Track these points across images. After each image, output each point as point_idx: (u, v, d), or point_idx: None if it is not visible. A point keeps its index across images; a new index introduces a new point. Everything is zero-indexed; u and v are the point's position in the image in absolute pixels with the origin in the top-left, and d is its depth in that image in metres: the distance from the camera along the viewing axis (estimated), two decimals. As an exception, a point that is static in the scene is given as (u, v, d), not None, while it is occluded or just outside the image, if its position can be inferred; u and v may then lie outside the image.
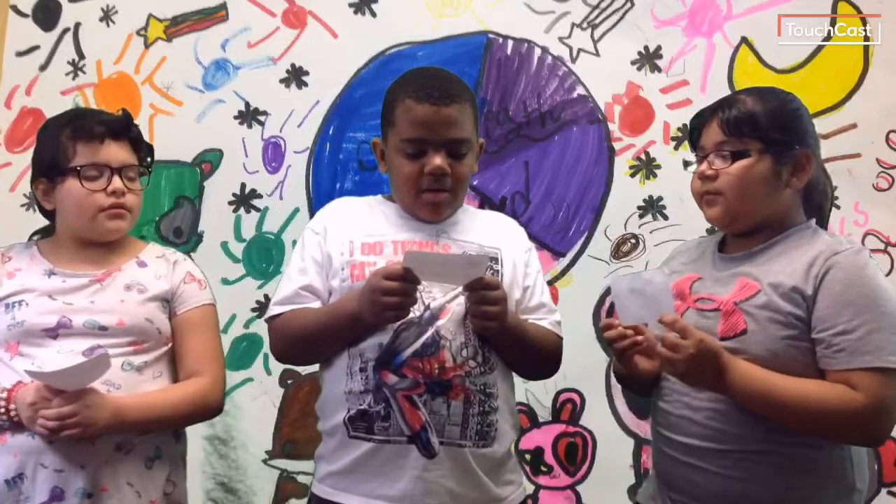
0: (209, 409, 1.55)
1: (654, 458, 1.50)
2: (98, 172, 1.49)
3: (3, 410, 1.39)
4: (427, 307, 1.39)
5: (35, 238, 1.64)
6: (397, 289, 1.32)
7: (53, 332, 1.45)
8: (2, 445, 1.41)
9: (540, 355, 1.50)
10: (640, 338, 1.39)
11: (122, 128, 1.54)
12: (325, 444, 1.45)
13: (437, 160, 1.42)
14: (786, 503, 1.35)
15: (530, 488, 2.15)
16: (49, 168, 1.51)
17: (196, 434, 1.67)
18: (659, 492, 1.47)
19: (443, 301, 1.40)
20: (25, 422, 1.38)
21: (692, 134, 1.50)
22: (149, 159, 1.60)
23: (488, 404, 1.39)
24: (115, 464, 1.43)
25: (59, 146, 1.50)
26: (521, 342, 1.44)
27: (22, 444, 1.39)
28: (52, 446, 1.39)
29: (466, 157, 1.46)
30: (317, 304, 1.47)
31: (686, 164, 1.46)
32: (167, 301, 1.55)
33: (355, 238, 1.47)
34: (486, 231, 1.53)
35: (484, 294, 1.35)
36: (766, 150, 1.39)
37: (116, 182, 1.50)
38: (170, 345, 1.55)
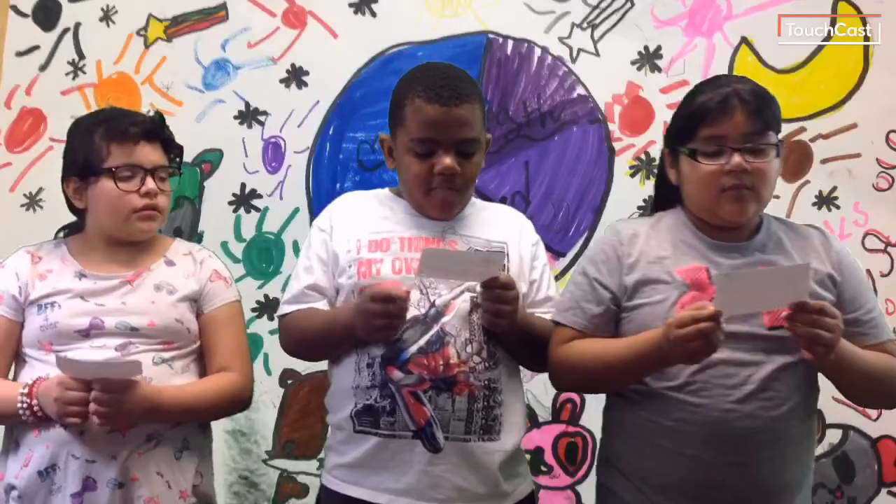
0: (240, 402, 1.59)
1: (661, 467, 1.39)
2: (132, 173, 1.51)
3: (25, 406, 1.41)
4: (432, 304, 1.40)
5: (61, 235, 1.65)
6: (383, 311, 1.34)
7: (85, 333, 1.47)
8: (34, 437, 1.43)
9: (545, 349, 1.50)
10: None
11: (156, 129, 1.56)
12: (334, 436, 1.47)
13: (448, 160, 1.42)
14: (801, 481, 1.39)
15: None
16: (82, 167, 1.52)
17: (217, 428, 1.69)
18: None
19: (448, 297, 1.41)
20: (55, 416, 1.39)
21: (693, 122, 1.41)
22: (178, 160, 1.61)
23: (493, 399, 1.40)
24: (145, 454, 1.45)
25: (92, 146, 1.51)
26: (527, 338, 1.45)
27: (54, 435, 1.42)
28: (84, 437, 1.41)
29: (475, 156, 1.47)
30: (323, 304, 1.48)
31: (693, 154, 1.37)
32: (195, 301, 1.57)
33: (362, 236, 1.48)
34: (492, 226, 1.53)
35: (500, 293, 1.37)
36: (779, 142, 1.40)
37: (150, 183, 1.52)
38: (198, 343, 1.57)
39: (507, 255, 1.49)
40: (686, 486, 1.37)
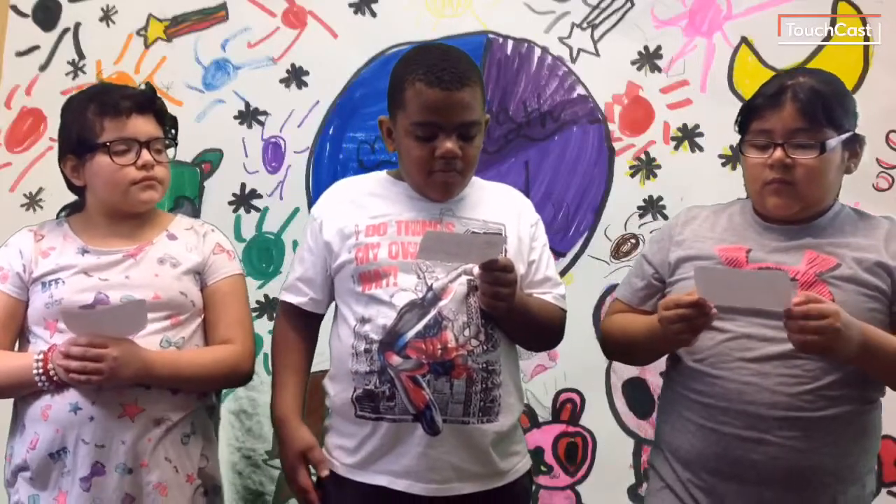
0: (240, 374, 1.58)
1: (686, 441, 1.43)
2: (126, 147, 1.51)
3: (41, 371, 1.42)
4: (430, 287, 1.41)
5: (63, 215, 1.65)
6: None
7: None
8: (44, 422, 1.43)
9: (543, 330, 1.52)
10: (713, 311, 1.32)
11: (147, 101, 1.56)
12: (334, 419, 1.49)
13: (449, 144, 1.42)
14: (840, 471, 1.36)
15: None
16: (77, 145, 1.52)
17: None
18: (681, 484, 1.43)
19: (445, 280, 1.42)
20: (64, 377, 1.40)
21: (747, 115, 1.46)
22: (173, 131, 1.61)
23: (491, 381, 1.42)
24: (154, 439, 1.45)
25: (85, 122, 1.52)
26: (525, 319, 1.46)
27: (64, 419, 1.43)
28: (93, 422, 1.42)
29: (476, 138, 1.47)
30: (308, 297, 1.53)
31: (740, 149, 1.42)
32: (199, 273, 1.57)
33: (360, 221, 1.48)
34: (491, 207, 1.53)
35: (499, 276, 1.37)
36: (839, 139, 1.39)
37: (146, 155, 1.52)
38: (202, 316, 1.57)
39: (506, 237, 1.49)
40: (707, 459, 1.39)
